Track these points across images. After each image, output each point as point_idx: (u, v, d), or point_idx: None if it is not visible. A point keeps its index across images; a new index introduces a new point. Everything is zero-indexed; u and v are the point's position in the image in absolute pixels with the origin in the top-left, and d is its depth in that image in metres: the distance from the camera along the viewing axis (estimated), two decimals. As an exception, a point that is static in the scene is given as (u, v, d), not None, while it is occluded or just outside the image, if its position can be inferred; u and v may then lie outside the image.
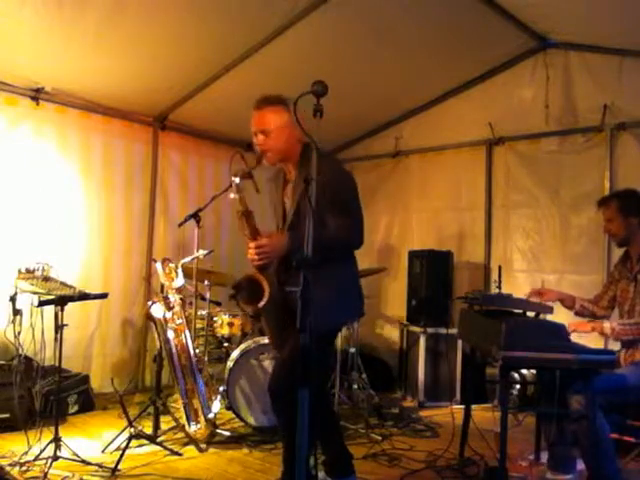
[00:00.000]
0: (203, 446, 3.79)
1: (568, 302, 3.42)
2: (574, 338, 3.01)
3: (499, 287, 3.59)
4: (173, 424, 3.95)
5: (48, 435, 3.34)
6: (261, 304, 2.59)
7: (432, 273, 5.42)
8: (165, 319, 3.97)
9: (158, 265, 4.10)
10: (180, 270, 4.09)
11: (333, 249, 2.63)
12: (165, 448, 3.68)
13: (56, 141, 4.86)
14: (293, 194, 2.85)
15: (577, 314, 3.46)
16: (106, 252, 5.18)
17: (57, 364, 3.38)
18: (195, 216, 4.23)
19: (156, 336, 4.14)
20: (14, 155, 4.60)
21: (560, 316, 3.26)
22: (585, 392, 2.85)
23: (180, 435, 3.92)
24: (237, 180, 2.69)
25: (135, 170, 5.39)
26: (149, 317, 4.07)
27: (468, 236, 5.77)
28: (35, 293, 3.29)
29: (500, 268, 3.96)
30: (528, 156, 5.41)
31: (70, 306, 3.38)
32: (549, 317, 3.19)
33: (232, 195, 2.71)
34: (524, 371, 4.63)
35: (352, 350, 4.91)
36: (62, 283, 3.52)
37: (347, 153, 6.58)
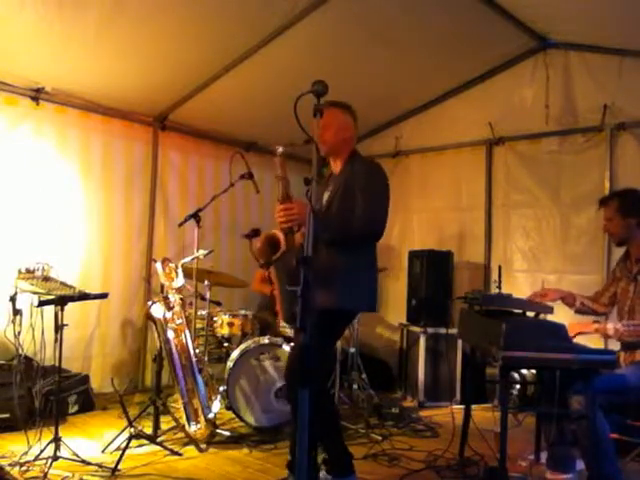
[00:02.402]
0: (203, 446, 3.79)
1: (569, 300, 3.42)
2: (577, 338, 3.01)
3: (499, 287, 3.59)
4: (173, 424, 3.94)
5: (48, 435, 3.34)
6: (276, 256, 2.77)
7: (432, 273, 5.42)
8: (165, 319, 3.97)
9: (158, 265, 4.10)
10: (180, 270, 4.09)
11: (355, 230, 2.89)
12: (165, 448, 3.68)
13: (56, 141, 4.86)
14: (333, 187, 3.06)
15: (577, 312, 3.46)
16: (106, 252, 5.18)
17: (57, 364, 3.38)
18: (195, 216, 4.24)
19: (156, 336, 4.14)
20: (14, 155, 4.60)
21: (560, 316, 3.25)
22: (585, 392, 2.84)
23: (180, 435, 3.92)
24: (281, 149, 2.89)
25: (135, 170, 5.39)
26: (149, 317, 4.07)
27: (468, 236, 5.77)
28: (35, 293, 3.29)
29: (500, 268, 3.96)
30: (528, 156, 5.41)
31: (70, 306, 3.38)
32: (549, 317, 3.19)
33: (276, 158, 2.90)
34: (524, 371, 4.63)
35: (352, 350, 4.91)
36: (62, 283, 3.52)
37: (347, 153, 6.58)
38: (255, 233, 2.88)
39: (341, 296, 2.85)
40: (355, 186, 2.93)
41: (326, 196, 3.08)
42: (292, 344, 3.39)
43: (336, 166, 3.15)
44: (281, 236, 2.82)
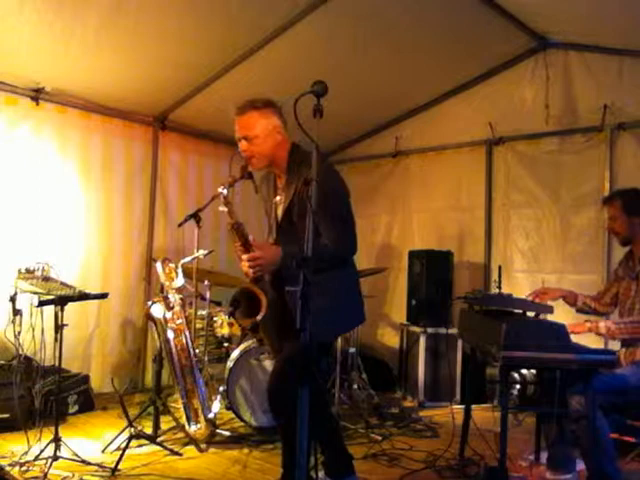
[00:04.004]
0: (203, 446, 3.79)
1: (570, 299, 3.42)
2: (574, 338, 3.01)
3: (499, 287, 3.59)
4: (173, 424, 3.95)
5: (48, 435, 3.34)
6: (259, 317, 2.56)
7: (432, 273, 5.42)
8: (165, 319, 3.97)
9: (158, 265, 4.11)
10: (180, 270, 4.09)
11: (326, 260, 2.59)
12: (165, 448, 3.68)
13: (56, 141, 4.86)
14: (284, 199, 2.81)
15: (579, 311, 3.47)
16: (106, 252, 5.18)
17: (57, 364, 3.39)
18: (195, 216, 4.23)
19: (156, 336, 4.14)
20: (14, 155, 4.60)
21: (560, 316, 3.26)
22: (585, 392, 2.85)
23: (180, 435, 3.93)
24: (225, 192, 2.64)
25: (135, 170, 5.39)
26: (149, 317, 4.07)
27: (468, 236, 5.77)
28: (35, 293, 3.30)
29: (500, 268, 3.96)
30: (528, 156, 5.41)
31: (69, 306, 3.38)
32: (549, 317, 3.19)
33: (221, 208, 2.65)
34: (524, 371, 4.62)
35: (352, 350, 4.92)
36: (62, 283, 3.52)
37: (347, 153, 6.59)
38: (238, 304, 2.62)
39: (325, 329, 2.49)
40: (315, 207, 2.43)
41: (279, 212, 2.83)
42: (274, 360, 3.18)
43: (279, 175, 2.86)
44: (260, 293, 2.57)
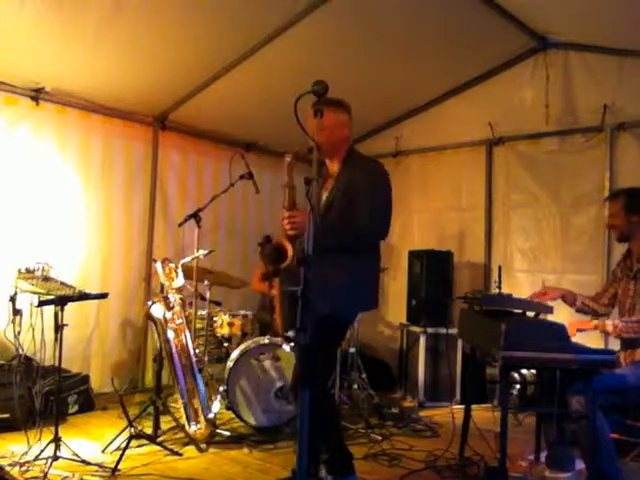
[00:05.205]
0: (203, 446, 3.79)
1: (569, 299, 3.42)
2: (576, 337, 3.02)
3: (499, 287, 3.59)
4: (173, 424, 3.95)
5: (48, 435, 3.34)
6: (284, 265, 2.79)
7: (432, 273, 5.42)
8: (165, 319, 3.97)
9: (158, 265, 4.10)
10: (180, 270, 4.09)
11: (359, 238, 2.91)
12: (165, 448, 3.68)
13: (56, 141, 4.86)
14: (332, 188, 3.05)
15: (578, 311, 3.47)
16: (105, 252, 5.18)
17: (57, 364, 3.39)
18: (195, 216, 4.24)
19: (156, 336, 4.14)
20: (14, 155, 4.60)
21: (560, 316, 3.26)
22: (585, 392, 2.84)
23: (180, 435, 3.92)
24: (289, 158, 2.93)
25: (135, 170, 5.39)
26: (149, 317, 4.07)
27: (468, 236, 5.77)
28: (35, 293, 3.29)
29: (500, 268, 3.96)
30: (528, 156, 5.42)
31: (69, 306, 3.38)
32: (549, 317, 3.19)
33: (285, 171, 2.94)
34: (524, 371, 4.63)
35: (352, 350, 4.92)
36: (62, 283, 3.52)
37: (347, 153, 6.58)
38: (267, 240, 2.93)
39: (342, 303, 2.85)
40: (356, 189, 2.91)
41: (324, 197, 3.06)
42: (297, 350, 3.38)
43: (333, 166, 3.11)
44: (288, 245, 2.81)
